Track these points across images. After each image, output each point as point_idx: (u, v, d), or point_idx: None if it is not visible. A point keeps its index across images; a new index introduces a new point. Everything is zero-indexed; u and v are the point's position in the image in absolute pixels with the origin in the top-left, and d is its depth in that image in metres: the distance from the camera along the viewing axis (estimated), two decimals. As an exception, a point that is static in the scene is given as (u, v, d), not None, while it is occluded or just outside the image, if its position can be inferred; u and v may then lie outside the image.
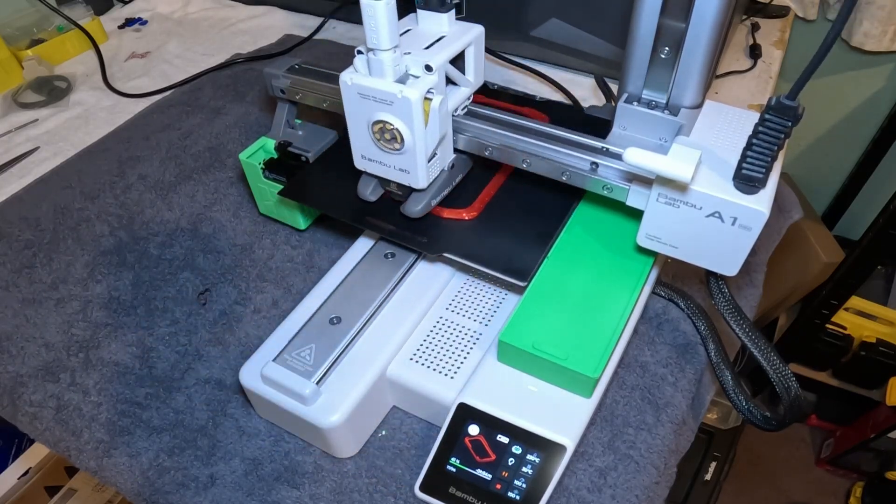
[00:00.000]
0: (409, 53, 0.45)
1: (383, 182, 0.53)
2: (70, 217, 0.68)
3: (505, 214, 0.53)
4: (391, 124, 0.45)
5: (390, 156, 0.48)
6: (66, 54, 0.95)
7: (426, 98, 0.44)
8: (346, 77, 0.45)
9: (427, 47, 0.46)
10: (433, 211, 0.53)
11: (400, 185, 0.51)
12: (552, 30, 0.81)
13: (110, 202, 0.69)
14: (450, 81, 0.49)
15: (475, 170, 0.56)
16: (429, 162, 0.48)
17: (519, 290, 0.51)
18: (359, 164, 0.51)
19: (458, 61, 0.49)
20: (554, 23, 0.80)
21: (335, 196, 0.56)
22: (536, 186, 0.55)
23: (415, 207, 0.52)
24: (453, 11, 0.48)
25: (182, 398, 0.53)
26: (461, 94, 0.50)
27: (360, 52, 0.45)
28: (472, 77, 0.51)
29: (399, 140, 0.46)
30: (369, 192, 0.54)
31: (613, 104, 0.56)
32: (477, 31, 0.49)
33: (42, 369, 0.55)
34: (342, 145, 0.59)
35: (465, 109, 0.52)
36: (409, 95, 0.43)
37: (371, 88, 0.44)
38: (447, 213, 0.53)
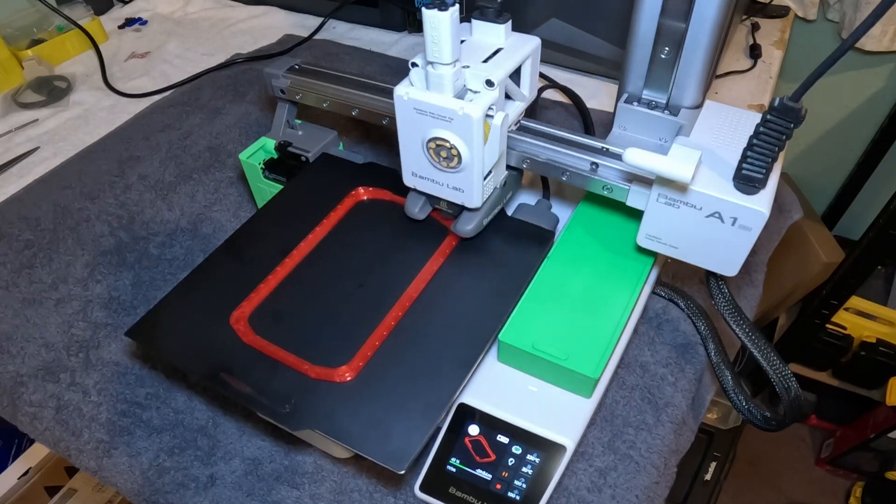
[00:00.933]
0: (468, 67, 0.42)
1: (432, 200, 0.51)
2: (70, 217, 0.68)
3: (389, 375, 0.43)
4: (449, 142, 0.43)
5: (445, 174, 0.46)
6: (66, 54, 0.95)
7: (487, 115, 0.42)
8: (402, 91, 0.43)
9: (485, 60, 0.43)
10: (301, 369, 0.43)
11: (450, 204, 0.49)
12: (552, 30, 0.81)
13: (110, 202, 0.69)
14: (505, 96, 0.47)
15: (358, 315, 0.47)
16: (484, 180, 0.46)
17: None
18: (408, 181, 0.49)
19: (513, 74, 0.46)
20: (554, 23, 0.80)
21: (193, 340, 0.46)
22: (430, 338, 0.45)
23: (467, 226, 0.49)
24: (510, 22, 0.45)
25: (182, 398, 0.53)
26: (516, 109, 0.47)
27: (414, 64, 0.42)
28: (527, 91, 0.48)
29: (456, 158, 0.43)
30: (418, 210, 0.51)
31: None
32: (534, 43, 0.46)
33: (42, 369, 0.55)
34: (211, 268, 0.51)
35: (518, 125, 0.49)
36: (470, 113, 0.41)
37: (429, 104, 0.42)
38: (316, 374, 0.43)
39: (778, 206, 0.72)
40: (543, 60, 0.86)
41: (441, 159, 0.45)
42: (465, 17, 0.50)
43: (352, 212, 0.55)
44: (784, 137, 0.37)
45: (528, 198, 0.57)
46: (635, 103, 0.47)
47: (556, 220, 0.53)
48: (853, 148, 1.24)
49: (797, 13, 1.06)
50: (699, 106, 0.46)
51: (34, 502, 1.01)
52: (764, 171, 0.38)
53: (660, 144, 0.48)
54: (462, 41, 0.45)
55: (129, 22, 1.04)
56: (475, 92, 0.43)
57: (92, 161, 0.75)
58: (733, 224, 0.40)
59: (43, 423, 0.52)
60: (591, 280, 0.49)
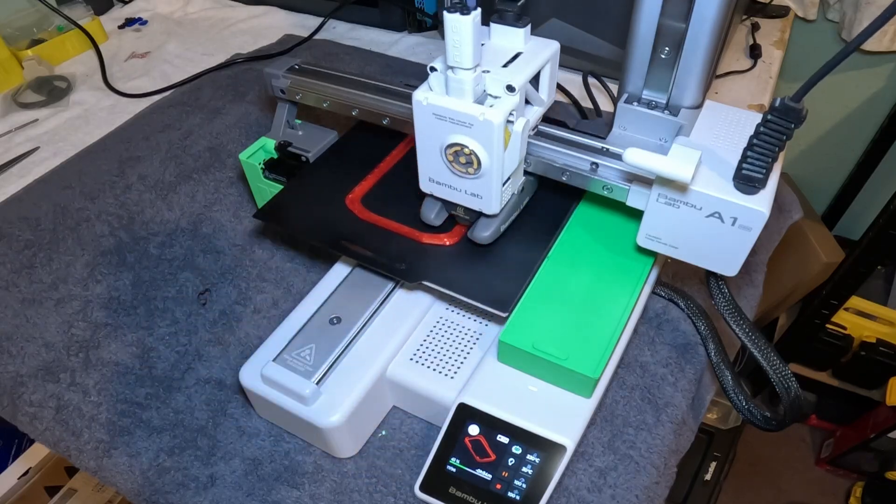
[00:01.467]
0: (488, 72, 0.42)
1: (448, 206, 0.50)
2: (70, 217, 0.68)
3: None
4: (468, 148, 0.42)
5: (463, 180, 0.45)
6: (66, 54, 0.95)
7: (508, 121, 0.42)
8: (421, 96, 0.42)
9: (505, 65, 0.43)
10: (412, 236, 0.51)
11: (467, 210, 0.49)
12: (552, 30, 0.81)
13: (110, 202, 0.69)
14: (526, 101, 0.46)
15: None
16: (503, 186, 0.46)
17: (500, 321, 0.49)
18: (424, 186, 0.48)
19: (532, 79, 0.45)
20: (554, 23, 0.80)
21: (313, 219, 0.54)
22: (517, 218, 0.51)
23: (484, 233, 0.49)
24: (529, 26, 0.45)
25: (182, 398, 0.53)
26: (535, 115, 0.47)
27: (433, 69, 0.42)
28: (546, 96, 0.48)
29: (476, 164, 0.43)
30: (433, 216, 0.51)
31: (611, 107, 0.55)
32: (554, 47, 0.46)
33: (42, 369, 0.55)
34: (319, 166, 0.59)
35: (536, 130, 0.49)
36: (491, 119, 0.40)
37: (449, 110, 0.41)
38: (427, 239, 0.51)
39: (778, 206, 0.72)
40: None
41: (460, 165, 0.44)
42: (483, 21, 0.50)
43: None
44: (784, 137, 0.37)
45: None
46: (635, 103, 0.47)
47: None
48: (853, 148, 1.24)
49: (797, 13, 1.06)
50: (699, 106, 0.46)
51: (34, 502, 1.01)
52: (764, 171, 0.38)
53: (660, 144, 0.48)
54: (481, 45, 0.44)
55: (129, 22, 1.04)
56: (495, 97, 0.42)
57: (92, 161, 0.75)
58: (733, 224, 0.40)
59: (43, 423, 0.52)
60: (591, 280, 0.49)
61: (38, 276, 0.62)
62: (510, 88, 0.41)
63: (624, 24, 0.45)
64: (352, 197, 0.55)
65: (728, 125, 0.44)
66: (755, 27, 0.92)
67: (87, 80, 0.91)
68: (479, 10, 0.37)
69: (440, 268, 0.49)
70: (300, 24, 1.01)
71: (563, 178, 0.48)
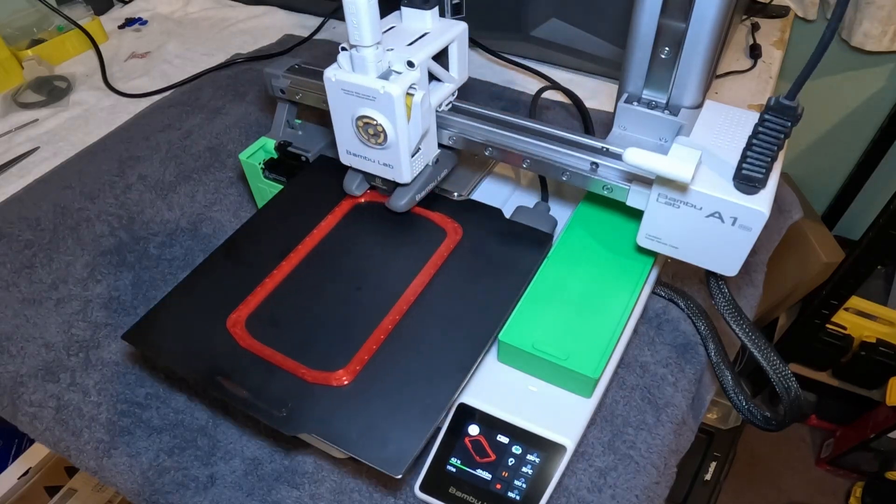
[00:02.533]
0: (392, 50, 0.45)
1: (368, 177, 0.53)
2: (70, 217, 0.68)
3: (386, 379, 0.43)
4: (374, 119, 0.45)
5: (374, 151, 0.48)
6: (66, 54, 0.95)
7: (408, 94, 0.45)
8: (330, 73, 0.46)
9: (410, 44, 0.47)
10: (298, 373, 0.43)
11: (385, 181, 0.52)
12: (552, 30, 0.81)
13: (110, 202, 0.69)
14: (435, 78, 0.49)
15: (355, 319, 0.47)
16: (412, 157, 0.48)
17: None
18: (344, 159, 0.51)
19: (442, 58, 0.49)
20: (554, 23, 0.80)
21: (189, 343, 0.46)
22: (428, 341, 0.45)
23: (399, 202, 0.51)
24: (437, 9, 0.48)
25: (182, 398, 0.53)
26: (445, 90, 0.50)
27: (343, 48, 0.45)
28: (456, 73, 0.51)
29: (382, 135, 0.46)
30: (354, 187, 0.54)
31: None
32: (460, 27, 0.49)
33: (42, 369, 0.55)
34: (206, 272, 0.51)
35: (450, 105, 0.52)
36: (391, 91, 0.43)
37: (354, 84, 0.45)
38: (313, 377, 0.43)
39: (778, 206, 0.72)
40: (543, 60, 0.86)
41: (369, 136, 0.47)
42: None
43: (349, 214, 0.55)
44: (783, 136, 0.37)
45: (527, 199, 0.57)
46: (635, 103, 0.47)
47: (555, 223, 0.53)
48: (853, 148, 1.24)
49: (797, 13, 1.06)
50: (699, 106, 0.46)
51: (34, 502, 1.01)
52: (764, 170, 0.38)
53: (660, 144, 0.48)
54: (392, 27, 0.48)
55: (129, 22, 1.04)
56: (399, 73, 0.45)
57: (92, 161, 0.75)
58: (733, 224, 0.40)
59: (43, 423, 0.52)
60: (591, 280, 0.49)
61: (38, 276, 0.62)
62: (410, 64, 0.45)
63: (624, 24, 0.45)
64: (234, 317, 0.47)
65: (728, 125, 0.44)
66: (755, 27, 0.92)
67: (87, 80, 0.91)
68: None
69: (329, 414, 0.41)
70: (300, 24, 1.01)
71: (564, 178, 0.48)
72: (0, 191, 0.73)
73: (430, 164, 0.52)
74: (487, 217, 0.53)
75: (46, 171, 0.75)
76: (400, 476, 0.38)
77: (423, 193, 0.52)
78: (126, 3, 1.09)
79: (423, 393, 0.42)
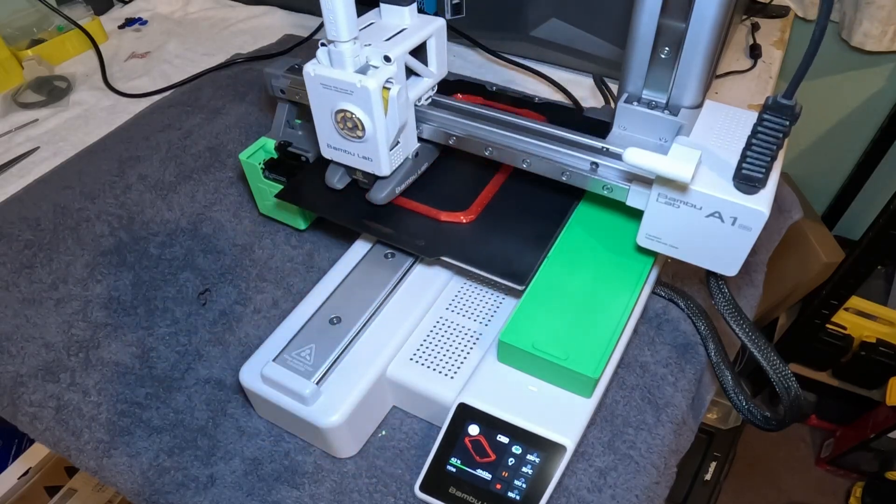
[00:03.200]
0: (370, 45, 0.47)
1: (350, 171, 0.54)
2: (70, 217, 0.68)
3: (503, 217, 0.53)
4: (352, 113, 0.47)
5: (354, 144, 0.49)
6: (66, 54, 0.95)
7: (385, 87, 0.46)
8: (310, 68, 0.47)
9: (387, 39, 0.48)
10: (430, 214, 0.53)
11: (366, 174, 0.53)
12: (552, 30, 0.81)
13: (110, 202, 0.69)
14: (413, 73, 0.51)
15: (473, 171, 0.57)
16: (391, 150, 0.50)
17: (517, 294, 0.51)
18: (325, 152, 0.52)
19: (420, 53, 0.50)
20: (554, 23, 0.80)
21: (334, 199, 0.56)
22: (535, 187, 0.55)
23: (379, 194, 0.53)
24: (414, 6, 0.50)
25: (182, 398, 0.53)
26: (424, 85, 0.51)
27: (323, 44, 0.46)
28: (435, 68, 0.52)
29: (360, 128, 0.47)
30: (336, 181, 0.55)
31: (612, 105, 0.56)
32: (437, 23, 0.51)
33: (42, 369, 0.55)
34: None
35: (430, 100, 0.53)
36: (367, 85, 0.45)
37: (332, 79, 0.46)
38: (445, 217, 0.53)
39: (778, 206, 0.72)
40: (543, 60, 0.86)
41: (348, 130, 0.48)
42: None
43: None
44: (782, 136, 0.37)
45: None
46: (635, 103, 0.47)
47: None
48: (853, 148, 1.23)
49: (797, 13, 1.06)
50: (699, 106, 0.46)
51: (34, 502, 1.01)
52: (764, 170, 0.38)
53: (660, 144, 0.48)
54: (371, 24, 0.50)
55: (129, 22, 1.04)
56: (376, 67, 0.46)
57: (92, 161, 0.75)
58: (733, 224, 0.40)
59: (43, 423, 0.52)
60: (591, 280, 0.49)
61: (38, 276, 0.62)
62: (387, 59, 0.46)
63: (624, 24, 0.45)
64: None
65: (728, 125, 0.44)
66: (755, 27, 0.92)
67: (87, 80, 0.91)
68: None
69: (457, 244, 0.51)
70: (300, 24, 1.01)
71: (563, 178, 0.48)
72: (0, 191, 0.73)
73: (410, 157, 0.53)
74: (565, 111, 0.61)
75: (46, 171, 0.75)
76: (523, 287, 0.47)
77: (403, 186, 0.54)
78: (126, 3, 1.09)
79: (534, 226, 0.52)
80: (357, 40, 0.45)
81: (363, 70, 0.46)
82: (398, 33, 0.49)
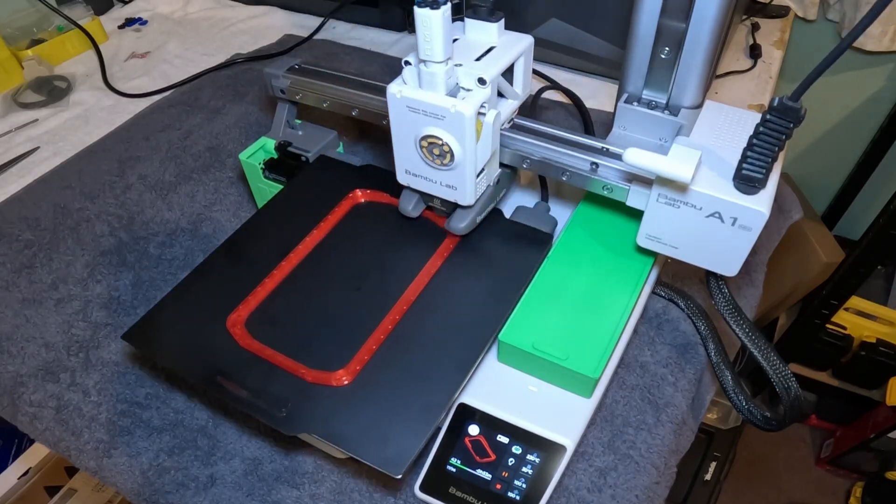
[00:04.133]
0: (461, 65, 0.43)
1: (426, 198, 0.51)
2: (70, 217, 0.68)
3: (386, 379, 0.43)
4: (441, 139, 0.43)
5: (437, 171, 0.46)
6: (66, 54, 0.95)
7: (479, 113, 0.43)
8: (395, 89, 0.43)
9: (478, 59, 0.44)
10: (298, 373, 0.43)
11: (444, 202, 0.50)
12: (552, 30, 0.81)
13: (110, 202, 0.69)
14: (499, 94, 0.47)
15: (356, 319, 0.47)
16: (477, 178, 0.46)
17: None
18: (402, 178, 0.49)
19: (506, 72, 0.46)
20: (554, 23, 0.80)
21: (189, 344, 0.46)
22: (428, 341, 0.45)
23: (460, 224, 0.49)
24: (503, 21, 0.46)
25: (182, 398, 0.53)
26: (509, 108, 0.48)
27: (407, 62, 0.43)
28: (520, 89, 0.49)
29: (449, 156, 0.44)
30: (411, 208, 0.51)
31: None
32: (527, 41, 0.47)
33: (42, 369, 0.55)
34: (206, 273, 0.50)
35: (511, 123, 0.49)
36: (462, 110, 0.41)
37: (421, 102, 0.42)
38: (313, 377, 0.43)
39: (778, 206, 0.72)
40: (543, 60, 0.86)
41: (434, 157, 0.45)
42: (460, 17, 0.50)
43: (349, 214, 0.55)
44: (784, 137, 0.37)
45: (527, 199, 0.57)
46: (635, 103, 0.47)
47: (555, 223, 0.53)
48: (853, 148, 1.23)
49: (797, 13, 1.06)
50: (699, 106, 0.46)
51: (34, 502, 1.01)
52: (764, 171, 0.38)
53: (660, 144, 0.48)
54: (455, 40, 0.45)
55: (129, 22, 1.04)
56: (467, 90, 0.43)
57: (92, 161, 0.75)
58: (733, 224, 0.40)
59: (43, 423, 0.52)
60: (591, 280, 0.49)
61: (38, 276, 0.62)
62: (481, 81, 0.42)
63: (624, 24, 0.45)
64: (234, 317, 0.47)
65: (728, 125, 0.44)
66: (755, 27, 0.92)
67: (87, 80, 0.91)
68: (449, 4, 0.38)
69: (329, 414, 0.41)
70: (300, 24, 1.01)
71: (564, 178, 0.48)
72: (0, 191, 0.73)
73: (492, 184, 0.50)
74: (487, 217, 0.53)
75: (46, 171, 0.75)
76: (400, 476, 0.38)
77: (483, 215, 0.50)
78: (126, 3, 1.09)
79: (423, 393, 0.42)
80: (450, 61, 0.41)
81: (454, 93, 0.42)
82: (487, 52, 0.44)
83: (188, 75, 0.89)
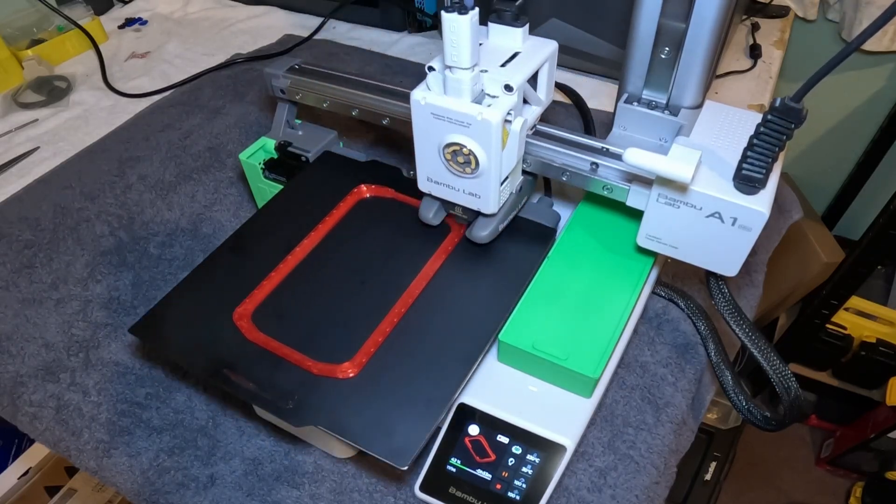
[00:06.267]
0: (486, 71, 0.42)
1: (447, 205, 0.50)
2: (70, 217, 0.68)
3: (392, 372, 0.43)
4: (466, 147, 0.42)
5: (461, 179, 0.45)
6: (66, 54, 0.95)
7: (506, 120, 0.42)
8: (419, 96, 0.42)
9: (503, 65, 0.43)
10: (304, 366, 0.44)
11: (465, 210, 0.49)
12: (552, 30, 0.81)
13: (110, 202, 0.69)
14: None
15: (361, 312, 0.47)
16: (500, 186, 0.46)
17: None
18: (423, 186, 0.48)
19: (530, 78, 0.45)
20: (554, 23, 0.80)
21: (195, 337, 0.46)
22: (432, 335, 0.45)
23: (482, 232, 0.48)
24: (527, 26, 0.44)
25: (182, 398, 0.53)
26: (533, 114, 0.47)
27: (431, 68, 0.42)
28: (544, 95, 0.48)
29: (474, 164, 0.43)
30: (432, 216, 0.50)
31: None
32: (552, 47, 0.45)
33: (42, 369, 0.55)
34: (210, 268, 0.50)
35: (534, 129, 0.48)
36: (489, 118, 0.40)
37: (447, 109, 0.41)
38: (319, 370, 0.43)
39: (778, 206, 0.72)
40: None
41: (458, 165, 0.44)
42: (482, 21, 0.50)
43: (354, 209, 0.55)
44: (784, 138, 0.37)
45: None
46: (635, 103, 0.47)
47: (558, 218, 0.53)
48: (853, 148, 1.24)
49: (797, 13, 1.06)
50: (699, 106, 0.46)
51: (34, 502, 1.01)
52: (764, 171, 0.38)
53: (660, 144, 0.48)
54: (479, 44, 0.45)
55: (129, 22, 1.04)
56: (493, 97, 0.42)
57: (92, 161, 0.75)
58: (733, 224, 0.40)
59: (43, 423, 0.52)
60: (591, 280, 0.49)
61: (38, 276, 0.62)
62: (508, 88, 0.41)
63: (624, 24, 0.45)
64: (241, 311, 0.47)
65: (728, 125, 0.44)
66: (755, 27, 0.92)
67: (87, 80, 0.91)
68: (476, 9, 0.37)
69: (335, 407, 0.41)
70: (300, 24, 1.01)
71: (564, 178, 0.48)
72: (0, 191, 0.73)
73: (514, 192, 0.49)
74: None
75: (46, 171, 0.75)
76: (406, 468, 0.38)
77: (505, 223, 0.50)
78: (126, 3, 1.09)
79: (427, 386, 0.42)
80: (477, 67, 0.40)
81: (479, 99, 0.41)
82: (513, 57, 0.43)
83: (188, 75, 0.89)
